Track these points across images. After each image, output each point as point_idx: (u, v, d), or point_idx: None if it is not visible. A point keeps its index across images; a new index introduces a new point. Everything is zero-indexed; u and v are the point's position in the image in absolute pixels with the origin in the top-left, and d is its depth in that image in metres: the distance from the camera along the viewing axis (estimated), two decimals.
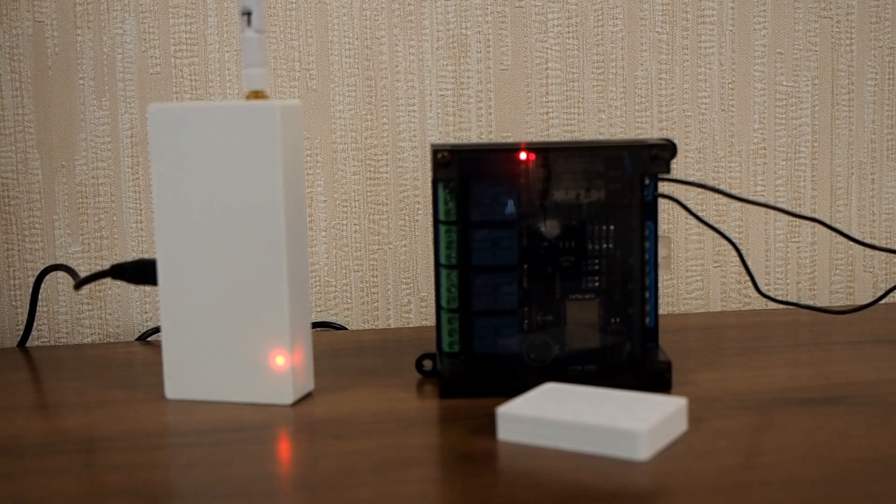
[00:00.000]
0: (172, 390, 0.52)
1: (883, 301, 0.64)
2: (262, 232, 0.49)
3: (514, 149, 0.51)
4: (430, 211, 0.52)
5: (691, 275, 0.75)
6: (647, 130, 0.73)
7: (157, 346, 0.65)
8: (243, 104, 0.49)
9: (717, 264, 0.75)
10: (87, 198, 0.69)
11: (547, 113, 0.72)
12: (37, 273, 0.69)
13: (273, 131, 0.49)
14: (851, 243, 0.73)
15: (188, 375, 0.52)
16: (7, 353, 0.64)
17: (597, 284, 0.51)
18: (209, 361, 0.51)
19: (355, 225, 0.71)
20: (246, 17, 0.49)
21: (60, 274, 0.70)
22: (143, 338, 0.69)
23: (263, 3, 0.49)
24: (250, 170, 0.49)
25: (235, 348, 0.51)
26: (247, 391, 0.51)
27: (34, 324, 0.69)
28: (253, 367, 0.51)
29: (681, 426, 0.45)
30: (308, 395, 0.52)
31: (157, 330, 0.69)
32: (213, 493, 0.40)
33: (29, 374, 0.59)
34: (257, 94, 0.50)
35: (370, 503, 0.39)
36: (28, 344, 0.69)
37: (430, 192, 0.70)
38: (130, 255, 0.70)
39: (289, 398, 0.51)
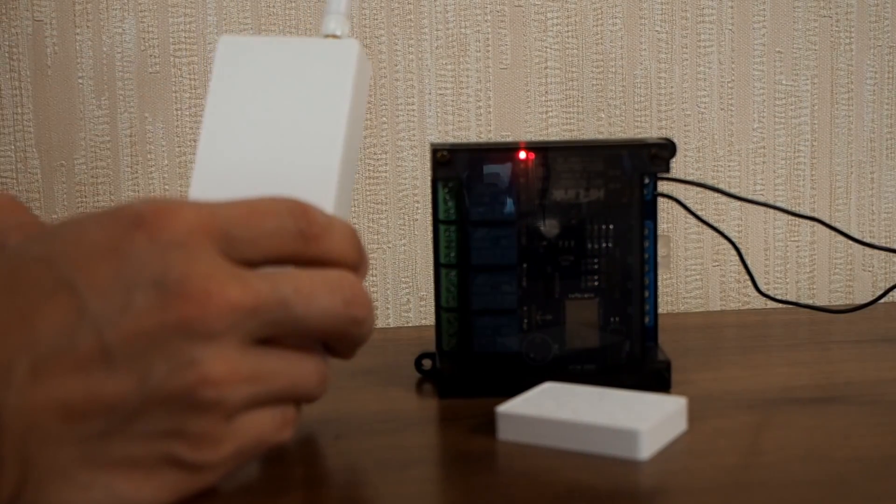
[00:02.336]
0: None
1: (882, 300, 0.64)
2: (313, 171, 0.45)
3: (513, 148, 0.51)
4: (430, 210, 0.52)
5: (690, 274, 0.74)
6: (647, 129, 0.73)
7: None
8: (321, 39, 0.47)
9: (717, 263, 0.75)
10: (86, 197, 0.69)
11: (546, 112, 0.72)
12: None
13: (347, 68, 0.46)
14: (851, 242, 0.73)
15: None
16: None
17: (596, 284, 0.51)
18: None
19: (354, 224, 0.71)
20: None
21: None
22: None
23: None
24: (315, 105, 0.46)
25: None
26: None
27: None
28: None
29: (680, 425, 0.45)
30: None
31: None
32: (212, 493, 0.40)
33: None
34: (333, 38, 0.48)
35: (369, 502, 0.39)
36: None
37: (429, 191, 0.70)
38: None
39: None
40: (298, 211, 0.38)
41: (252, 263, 0.37)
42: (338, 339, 0.40)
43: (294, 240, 0.38)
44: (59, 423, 0.32)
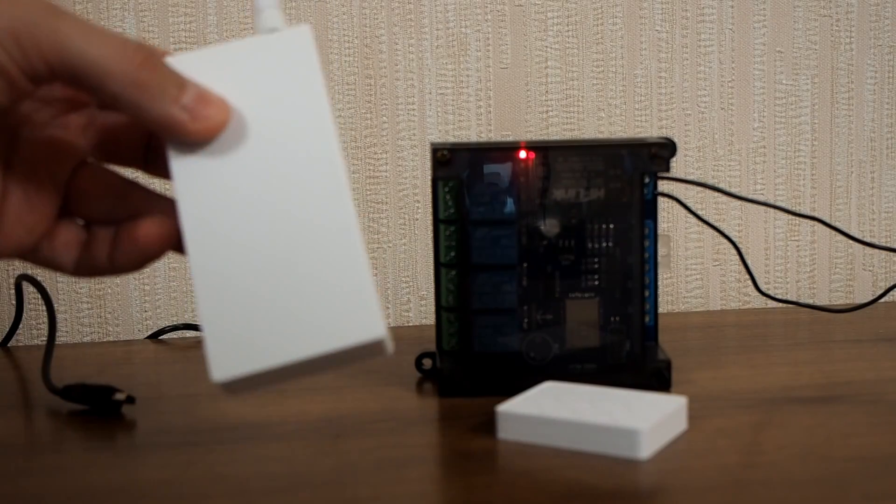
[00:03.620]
0: (221, 370, 0.38)
1: (882, 299, 0.64)
2: (315, 169, 0.40)
3: (513, 147, 0.51)
4: (430, 210, 0.52)
5: (691, 273, 0.74)
6: (647, 129, 0.73)
7: (160, 344, 0.65)
8: (269, 36, 0.41)
9: (717, 263, 0.75)
10: None
11: (546, 111, 0.72)
12: (37, 272, 0.69)
13: (309, 55, 0.40)
14: (851, 242, 0.73)
15: (241, 346, 0.38)
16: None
17: (596, 283, 0.51)
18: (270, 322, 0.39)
19: None
20: None
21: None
22: (153, 336, 0.69)
23: None
24: (289, 102, 0.41)
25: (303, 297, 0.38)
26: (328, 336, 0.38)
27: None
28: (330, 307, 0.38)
29: (680, 425, 0.45)
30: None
31: (164, 331, 0.69)
32: (213, 493, 0.40)
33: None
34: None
35: (370, 502, 0.39)
36: (25, 343, 0.69)
37: (429, 190, 0.70)
38: None
39: (380, 328, 0.37)
40: None
41: None
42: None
43: None
44: None
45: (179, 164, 0.39)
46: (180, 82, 0.37)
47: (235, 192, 0.40)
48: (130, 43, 0.35)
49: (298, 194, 0.40)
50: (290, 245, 0.40)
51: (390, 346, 0.37)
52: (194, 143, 0.39)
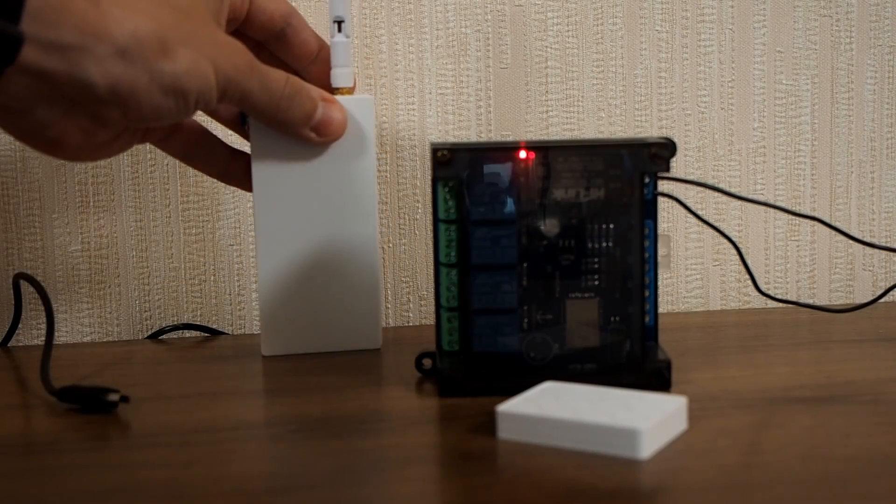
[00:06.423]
0: (268, 347, 0.60)
1: (883, 299, 0.64)
2: (356, 205, 0.59)
3: (513, 147, 0.51)
4: (430, 209, 0.52)
5: (691, 273, 0.74)
6: (647, 129, 0.73)
7: (160, 344, 0.65)
8: (342, 98, 0.58)
9: (717, 263, 0.75)
10: (86, 196, 0.69)
11: (546, 111, 0.72)
12: (36, 272, 0.69)
13: (369, 121, 0.58)
14: (851, 242, 0.73)
15: (283, 332, 0.60)
16: None
17: (596, 283, 0.51)
18: (305, 317, 0.60)
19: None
20: (337, 25, 0.57)
21: (59, 272, 0.70)
22: (153, 336, 0.69)
23: (351, 12, 0.58)
24: (347, 154, 0.58)
25: (330, 303, 0.60)
26: (341, 341, 0.60)
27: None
28: (345, 318, 0.60)
29: (680, 425, 0.45)
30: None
31: (164, 331, 0.69)
32: (213, 492, 0.40)
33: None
34: (342, 91, 0.58)
35: (369, 502, 0.39)
36: (24, 343, 0.69)
37: (429, 190, 0.70)
38: (129, 254, 0.70)
39: (379, 341, 0.61)
40: None
41: None
42: None
43: None
44: None
45: (261, 167, 0.58)
46: (310, 111, 0.55)
47: (299, 201, 0.58)
48: (285, 88, 0.53)
49: (342, 215, 0.59)
50: (331, 258, 0.59)
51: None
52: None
